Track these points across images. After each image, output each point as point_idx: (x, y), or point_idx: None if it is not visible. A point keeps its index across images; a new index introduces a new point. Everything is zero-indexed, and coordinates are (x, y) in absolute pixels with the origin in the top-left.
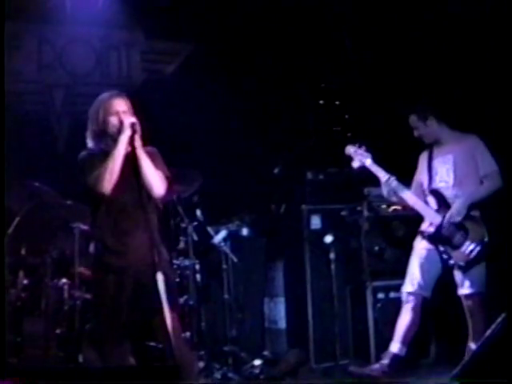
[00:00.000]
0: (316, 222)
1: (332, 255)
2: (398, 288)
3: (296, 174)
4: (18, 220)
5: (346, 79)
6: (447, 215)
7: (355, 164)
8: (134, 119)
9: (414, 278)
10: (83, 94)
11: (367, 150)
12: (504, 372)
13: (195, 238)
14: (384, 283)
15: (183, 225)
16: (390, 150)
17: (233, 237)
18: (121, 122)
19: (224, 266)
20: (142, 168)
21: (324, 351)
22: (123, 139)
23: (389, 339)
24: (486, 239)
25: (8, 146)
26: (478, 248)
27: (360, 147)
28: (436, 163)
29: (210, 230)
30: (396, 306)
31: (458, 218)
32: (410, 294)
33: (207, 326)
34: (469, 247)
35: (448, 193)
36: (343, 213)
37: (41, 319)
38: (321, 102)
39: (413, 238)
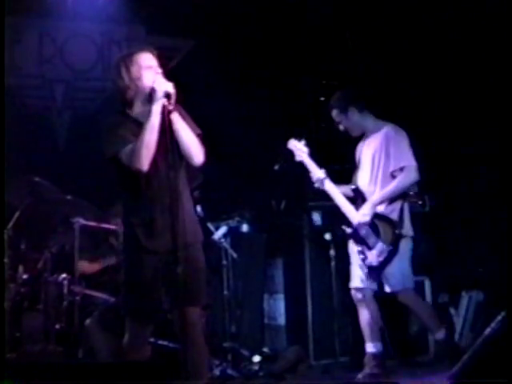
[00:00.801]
0: (316, 218)
1: (332, 252)
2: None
3: (297, 170)
4: (17, 215)
5: (347, 76)
6: (356, 215)
7: (296, 158)
8: (167, 85)
9: (357, 274)
10: (84, 88)
11: (306, 145)
12: (504, 372)
13: None
14: None
15: None
16: None
17: (233, 233)
18: (153, 90)
19: (224, 262)
20: (178, 134)
21: (323, 348)
22: (156, 109)
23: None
24: (401, 235)
25: (8, 140)
26: (388, 249)
27: (300, 141)
28: (361, 157)
29: (210, 226)
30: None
31: (366, 219)
32: (356, 289)
33: (206, 322)
34: (380, 248)
35: (366, 190)
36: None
37: (40, 314)
38: (322, 98)
39: None
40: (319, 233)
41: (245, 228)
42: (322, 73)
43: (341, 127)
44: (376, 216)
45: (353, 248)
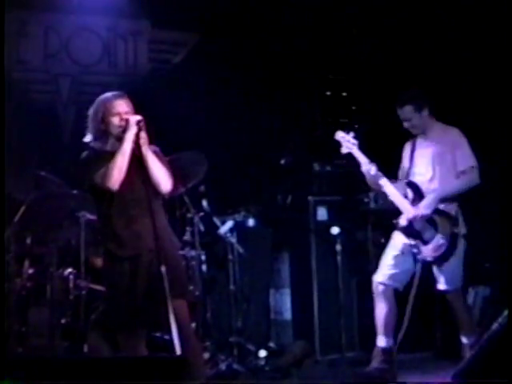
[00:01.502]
0: (322, 213)
1: (338, 247)
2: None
3: (303, 165)
4: (23, 209)
5: (354, 70)
6: (416, 209)
7: (343, 150)
8: (139, 117)
9: (386, 269)
10: (90, 83)
11: (355, 137)
12: (504, 372)
13: (201, 228)
14: None
15: (189, 215)
16: (397, 141)
17: (239, 227)
18: (126, 120)
19: (230, 257)
20: (148, 165)
21: (329, 343)
22: (129, 137)
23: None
24: (459, 233)
25: (14, 135)
26: (446, 244)
27: (348, 133)
28: (417, 155)
29: (216, 220)
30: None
31: (427, 212)
32: (380, 283)
33: (212, 317)
34: (437, 243)
35: (425, 186)
36: (350, 204)
37: (46, 309)
38: (328, 93)
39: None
40: (325, 227)
41: (251, 222)
42: (329, 67)
43: (406, 124)
44: (436, 211)
45: (396, 243)
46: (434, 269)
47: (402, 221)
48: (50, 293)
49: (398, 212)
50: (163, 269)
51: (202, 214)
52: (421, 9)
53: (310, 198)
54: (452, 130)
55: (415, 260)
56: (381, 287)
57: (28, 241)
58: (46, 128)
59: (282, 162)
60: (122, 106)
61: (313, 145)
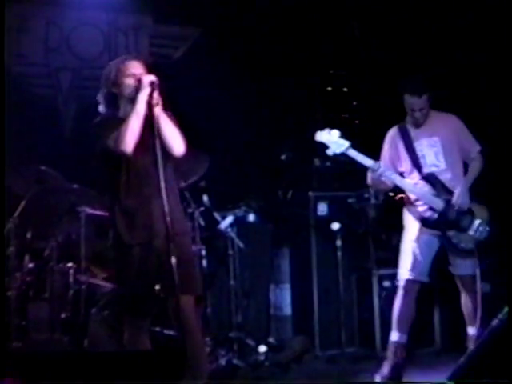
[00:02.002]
0: (323, 208)
1: (338, 242)
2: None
3: (303, 160)
4: (23, 204)
5: (355, 65)
6: (454, 199)
7: (333, 151)
8: (153, 77)
9: (412, 264)
10: (90, 77)
11: (342, 137)
12: (504, 372)
13: (202, 223)
14: (390, 271)
15: (190, 210)
16: None
17: (239, 223)
18: (139, 81)
19: (230, 252)
20: (161, 126)
21: (329, 338)
22: (142, 97)
23: None
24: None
25: (14, 129)
26: (487, 227)
27: (329, 132)
28: (419, 145)
29: (216, 215)
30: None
31: (466, 201)
32: (409, 280)
33: (212, 312)
34: (478, 228)
35: (441, 177)
36: (350, 200)
37: (46, 303)
38: (329, 88)
39: None
40: (325, 223)
41: (251, 218)
42: (330, 62)
43: (418, 114)
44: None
45: (416, 237)
46: (449, 251)
47: (430, 214)
48: (50, 287)
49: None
50: (173, 260)
51: (202, 208)
52: (421, 3)
53: (310, 193)
54: (450, 116)
55: (438, 250)
56: (407, 283)
57: (28, 235)
58: (47, 122)
59: (283, 157)
60: (136, 67)
61: (313, 140)
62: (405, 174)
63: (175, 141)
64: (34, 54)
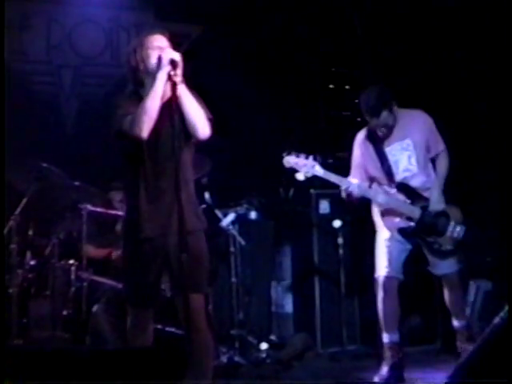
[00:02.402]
0: (324, 206)
1: (340, 240)
2: (405, 274)
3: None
4: (25, 201)
5: (357, 63)
6: (431, 206)
7: (300, 176)
8: (174, 54)
9: (388, 262)
10: (92, 75)
11: (308, 157)
12: (504, 372)
13: None
14: None
15: None
16: None
17: (241, 220)
18: (158, 58)
19: (232, 250)
20: (184, 106)
21: (331, 336)
22: (161, 76)
23: None
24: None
25: (16, 126)
26: (463, 227)
27: (298, 156)
28: (393, 150)
29: (218, 212)
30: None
31: (442, 206)
32: (386, 277)
33: (214, 310)
34: (455, 229)
35: (414, 181)
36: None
37: (47, 300)
38: (331, 86)
39: None
40: (327, 220)
41: (253, 215)
42: (332, 60)
43: (383, 130)
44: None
45: (385, 243)
46: (430, 255)
47: (404, 222)
48: (52, 284)
49: None
50: (184, 256)
51: (204, 206)
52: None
53: (312, 191)
54: (417, 113)
55: (409, 249)
56: (385, 281)
57: (30, 232)
58: (49, 119)
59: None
60: (161, 39)
61: (315, 138)
62: (377, 180)
63: (200, 121)
64: (36, 51)
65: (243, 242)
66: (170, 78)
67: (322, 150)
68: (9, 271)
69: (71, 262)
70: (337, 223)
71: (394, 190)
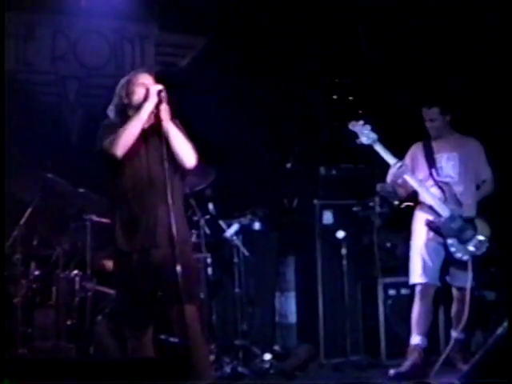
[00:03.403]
0: (328, 217)
1: (344, 251)
2: (409, 285)
3: (309, 169)
4: (30, 211)
5: (360, 74)
6: (461, 210)
7: (362, 141)
8: (160, 87)
9: (423, 269)
10: (97, 85)
11: (372, 130)
12: (504, 372)
13: (207, 231)
14: (395, 280)
15: (195, 218)
16: (403, 145)
17: (245, 231)
18: (147, 90)
19: (235, 260)
20: (171, 138)
21: (334, 346)
22: (148, 106)
23: (399, 335)
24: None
25: (21, 137)
26: (487, 244)
27: (364, 125)
28: (439, 157)
29: (222, 223)
30: (407, 302)
31: (473, 213)
32: (422, 284)
33: (218, 320)
34: (478, 243)
35: (454, 188)
36: (355, 208)
37: (52, 310)
38: (334, 96)
39: None
40: (331, 231)
41: (257, 226)
42: (335, 71)
43: (428, 124)
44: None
45: (424, 242)
46: (453, 266)
47: (436, 219)
48: (56, 294)
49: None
50: (178, 268)
51: (207, 216)
52: (427, 12)
53: (315, 201)
54: (471, 139)
55: (445, 257)
56: (421, 287)
57: (34, 242)
58: (53, 130)
59: (288, 165)
60: (147, 77)
61: (319, 148)
62: (423, 181)
63: (186, 153)
64: (41, 62)
65: (247, 253)
66: (157, 113)
67: (326, 160)
68: (13, 281)
69: (75, 272)
70: (340, 234)
71: (434, 187)
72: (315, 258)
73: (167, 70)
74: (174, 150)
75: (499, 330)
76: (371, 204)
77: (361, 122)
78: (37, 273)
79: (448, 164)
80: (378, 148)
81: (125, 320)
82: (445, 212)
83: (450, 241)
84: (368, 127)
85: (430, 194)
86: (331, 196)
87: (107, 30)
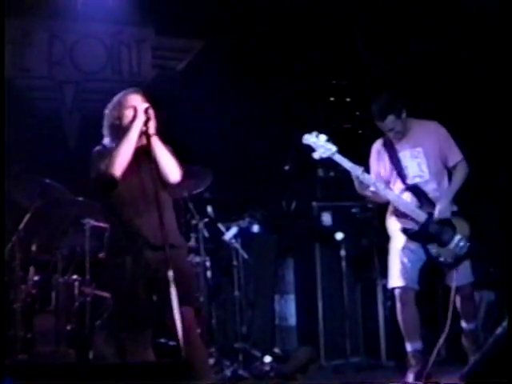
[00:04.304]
0: (327, 219)
1: (343, 252)
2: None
3: (307, 171)
4: (28, 216)
5: (357, 76)
6: (436, 212)
7: (319, 154)
8: (147, 105)
9: (401, 272)
10: (94, 90)
11: (329, 140)
12: (504, 372)
13: (206, 234)
14: None
15: (194, 221)
16: None
17: (243, 234)
18: (134, 109)
19: (234, 263)
20: (157, 154)
21: (334, 348)
22: (136, 125)
23: (399, 337)
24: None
25: (19, 142)
26: (467, 243)
27: (317, 136)
28: (403, 157)
29: (220, 226)
30: None
31: (447, 214)
32: (401, 288)
33: (217, 323)
34: (459, 243)
35: (425, 188)
36: (354, 210)
37: (51, 315)
38: (331, 98)
39: None
40: (329, 233)
41: (255, 229)
42: (331, 73)
43: (390, 134)
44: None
45: (400, 249)
46: (446, 268)
47: (411, 225)
48: (56, 300)
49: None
50: (170, 273)
51: (206, 220)
52: (424, 13)
53: (314, 203)
54: (431, 123)
55: (426, 261)
56: (400, 292)
57: (33, 248)
58: (51, 135)
59: (286, 167)
60: (137, 99)
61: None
62: (390, 185)
63: (171, 169)
64: (38, 67)
65: (246, 256)
66: (145, 130)
67: (324, 162)
68: (12, 287)
69: (74, 277)
70: (339, 235)
71: (404, 192)
72: (314, 260)
73: (164, 73)
74: (160, 165)
75: (499, 330)
76: (370, 205)
77: (314, 134)
78: (36, 278)
79: (413, 163)
80: (338, 159)
81: (123, 324)
82: (420, 217)
83: (430, 246)
84: (323, 138)
85: (402, 202)
86: (329, 198)
87: (104, 35)
